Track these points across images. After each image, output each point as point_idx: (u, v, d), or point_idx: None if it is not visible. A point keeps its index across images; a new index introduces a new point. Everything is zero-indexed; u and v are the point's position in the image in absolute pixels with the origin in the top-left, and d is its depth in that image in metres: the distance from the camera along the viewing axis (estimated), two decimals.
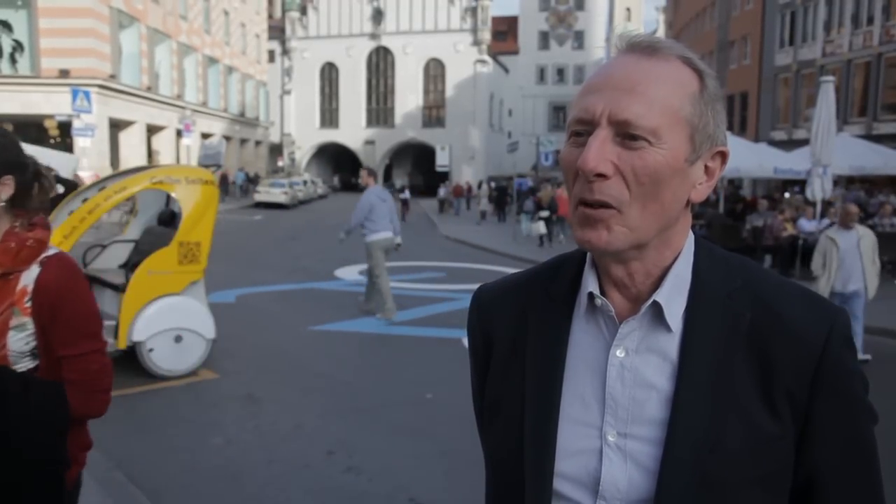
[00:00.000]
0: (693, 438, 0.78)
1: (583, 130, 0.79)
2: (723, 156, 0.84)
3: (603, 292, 0.86)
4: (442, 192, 32.25)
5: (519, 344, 0.91)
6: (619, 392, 0.83)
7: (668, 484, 0.78)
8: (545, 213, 17.43)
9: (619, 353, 0.83)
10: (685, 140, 0.79)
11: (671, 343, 0.82)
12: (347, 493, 3.82)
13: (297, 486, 3.89)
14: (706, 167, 0.83)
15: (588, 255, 0.89)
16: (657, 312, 0.82)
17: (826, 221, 11.53)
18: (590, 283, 0.86)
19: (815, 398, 0.80)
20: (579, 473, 0.83)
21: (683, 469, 0.78)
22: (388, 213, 8.19)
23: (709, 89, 0.81)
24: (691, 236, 0.87)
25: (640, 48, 0.81)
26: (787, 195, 18.41)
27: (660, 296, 0.82)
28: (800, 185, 16.71)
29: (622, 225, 0.78)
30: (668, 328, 0.82)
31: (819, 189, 11.49)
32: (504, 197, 26.98)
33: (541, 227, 17.03)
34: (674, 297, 0.83)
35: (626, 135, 0.77)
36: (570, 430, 0.84)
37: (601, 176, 0.77)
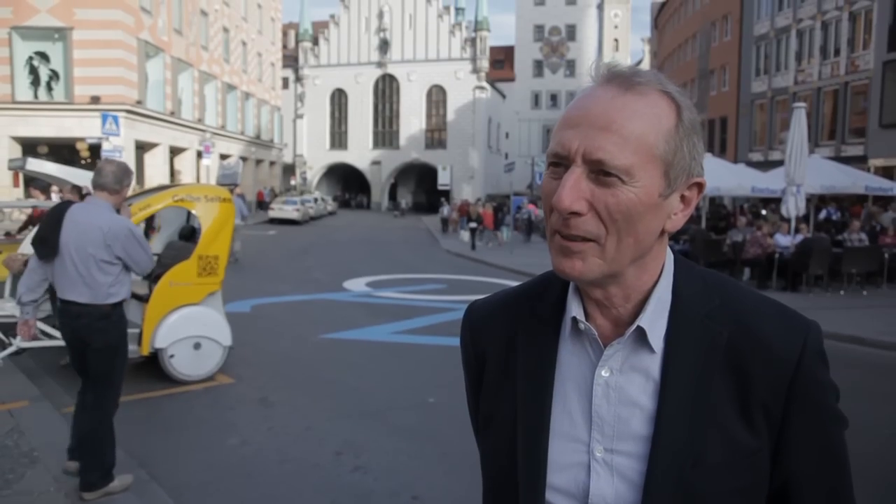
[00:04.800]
0: (675, 454, 0.77)
1: (560, 162, 0.77)
2: (699, 186, 0.81)
3: (587, 313, 0.84)
4: (445, 210, 29.92)
5: (510, 363, 0.89)
6: (605, 410, 0.81)
7: (653, 497, 0.77)
8: (473, 225, 20.74)
9: (605, 372, 0.82)
10: (659, 177, 0.76)
11: (654, 363, 0.81)
12: (354, 490, 3.80)
13: (308, 484, 3.87)
14: (682, 196, 0.80)
15: None
16: (641, 335, 0.81)
17: (800, 237, 11.53)
18: (573, 308, 0.84)
19: (790, 410, 0.79)
20: (569, 486, 0.82)
21: (667, 482, 0.77)
22: (238, 209, 12.03)
23: (685, 123, 0.77)
24: (671, 256, 0.85)
25: (619, 80, 0.77)
26: (763, 212, 18.43)
27: (643, 321, 0.80)
28: (775, 202, 16.72)
29: (597, 256, 0.76)
30: (651, 349, 0.81)
31: (793, 206, 11.49)
32: (499, 214, 26.90)
33: (465, 236, 20.56)
34: (656, 319, 0.81)
35: (600, 171, 0.74)
36: (561, 445, 0.83)
37: (575, 214, 0.75)
